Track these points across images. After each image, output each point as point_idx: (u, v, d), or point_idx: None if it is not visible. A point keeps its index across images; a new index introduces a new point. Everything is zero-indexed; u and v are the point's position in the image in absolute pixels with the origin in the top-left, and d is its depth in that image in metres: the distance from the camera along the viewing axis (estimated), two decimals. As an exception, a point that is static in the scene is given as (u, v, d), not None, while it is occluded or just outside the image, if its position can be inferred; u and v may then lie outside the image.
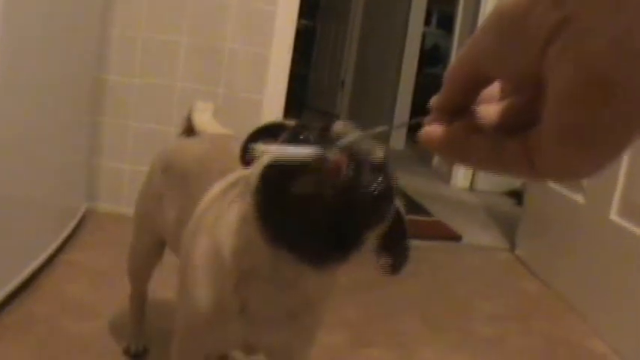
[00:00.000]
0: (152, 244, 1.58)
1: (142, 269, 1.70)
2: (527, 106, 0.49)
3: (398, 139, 6.63)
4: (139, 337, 1.81)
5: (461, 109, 0.53)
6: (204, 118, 1.63)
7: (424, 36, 7.23)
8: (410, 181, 4.93)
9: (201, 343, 1.18)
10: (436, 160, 5.56)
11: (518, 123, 0.49)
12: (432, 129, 0.54)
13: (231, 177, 1.20)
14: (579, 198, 2.77)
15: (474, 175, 5.06)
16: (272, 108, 3.06)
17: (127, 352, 1.79)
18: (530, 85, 0.47)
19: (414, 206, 4.17)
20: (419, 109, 6.58)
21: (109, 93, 2.97)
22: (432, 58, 8.16)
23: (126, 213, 2.87)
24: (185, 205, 1.30)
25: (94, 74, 2.81)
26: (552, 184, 3.04)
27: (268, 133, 0.99)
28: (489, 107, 0.53)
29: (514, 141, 0.49)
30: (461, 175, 5.06)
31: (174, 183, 1.43)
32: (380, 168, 0.88)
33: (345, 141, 0.83)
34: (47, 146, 2.19)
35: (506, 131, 0.50)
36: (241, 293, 1.04)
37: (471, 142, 0.52)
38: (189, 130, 1.62)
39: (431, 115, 0.55)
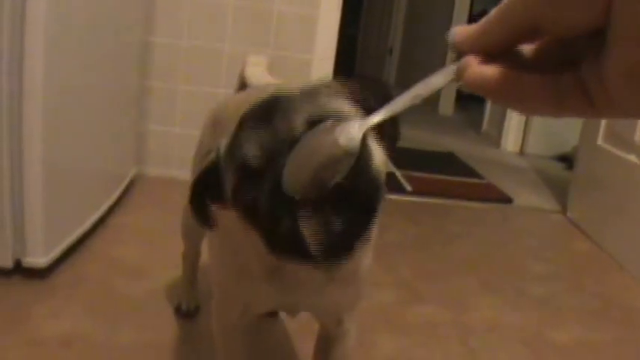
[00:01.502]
0: None
1: (195, 227, 1.68)
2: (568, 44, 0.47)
3: (447, 105, 6.56)
4: (191, 296, 1.81)
5: (502, 52, 0.50)
6: (257, 72, 1.62)
7: (472, 1, 7.09)
8: (460, 146, 4.89)
9: (235, 303, 1.16)
10: (486, 124, 5.48)
11: (563, 60, 0.47)
12: (482, 69, 0.49)
13: None
14: (633, 158, 2.70)
15: (523, 139, 4.99)
16: (321, 68, 3.03)
17: (178, 310, 1.80)
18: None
19: (465, 169, 4.13)
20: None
21: (157, 57, 2.98)
22: (481, 23, 8.01)
23: (175, 176, 2.90)
24: None
25: (142, 38, 2.82)
26: (605, 145, 2.97)
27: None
28: (529, 46, 0.50)
29: (568, 77, 0.46)
30: (511, 139, 4.99)
31: (222, 136, 1.43)
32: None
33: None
34: (97, 112, 2.22)
35: (552, 69, 0.47)
36: (270, 259, 0.99)
37: (525, 81, 0.48)
38: (243, 86, 1.61)
39: (466, 57, 0.50)
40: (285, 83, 1.59)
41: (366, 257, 1.09)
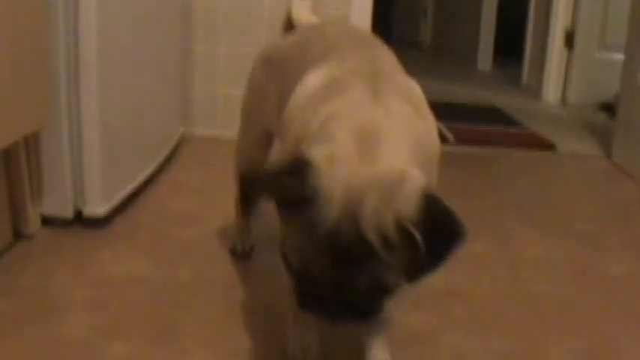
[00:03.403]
0: (258, 137, 1.62)
1: (247, 164, 1.73)
2: None
3: (484, 60, 6.52)
4: (245, 238, 1.87)
5: None
6: (302, 13, 1.66)
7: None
8: (500, 99, 4.87)
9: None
10: (525, 77, 5.44)
11: None
12: None
13: (326, 70, 1.21)
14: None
15: (564, 90, 4.93)
16: (359, 23, 3.05)
17: (233, 252, 1.86)
18: None
19: (507, 120, 4.13)
20: (502, 38, 6.45)
21: (198, 19, 3.03)
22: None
23: (220, 136, 2.96)
24: (283, 90, 1.33)
25: (183, 1, 2.87)
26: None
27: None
28: None
29: None
30: (551, 90, 4.94)
31: (273, 73, 1.48)
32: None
33: None
34: (145, 74, 2.29)
35: None
36: None
37: None
38: (291, 26, 1.66)
39: None
40: (330, 23, 1.64)
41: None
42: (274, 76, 1.48)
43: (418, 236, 0.89)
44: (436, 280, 1.81)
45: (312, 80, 1.21)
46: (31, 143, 1.82)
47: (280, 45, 1.56)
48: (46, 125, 1.80)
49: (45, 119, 1.78)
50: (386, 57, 1.34)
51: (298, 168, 0.94)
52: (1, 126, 1.57)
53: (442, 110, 4.38)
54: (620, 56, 3.52)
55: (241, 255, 1.85)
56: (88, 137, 1.88)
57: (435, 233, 0.91)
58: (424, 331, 1.56)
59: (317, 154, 0.96)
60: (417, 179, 0.94)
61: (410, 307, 1.58)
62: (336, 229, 0.92)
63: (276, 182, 0.97)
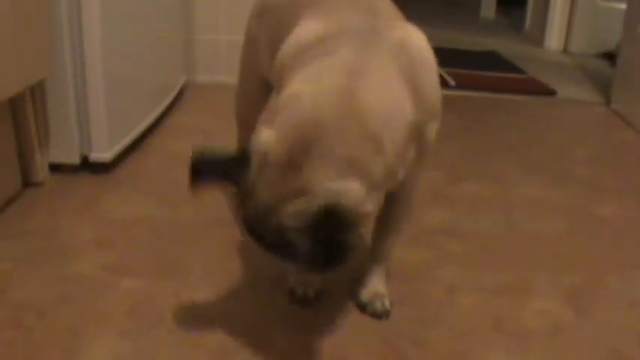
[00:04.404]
0: (255, 85, 1.66)
1: (247, 111, 1.77)
2: None
3: (488, 8, 6.50)
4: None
5: None
6: None
7: None
8: (502, 46, 4.87)
9: None
10: (528, 24, 5.44)
11: None
12: None
13: (321, 21, 1.21)
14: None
15: (567, 37, 4.94)
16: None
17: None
18: None
19: (508, 66, 4.15)
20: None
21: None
22: None
23: (224, 81, 2.99)
24: (276, 37, 1.36)
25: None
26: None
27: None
28: None
29: None
30: (554, 38, 4.95)
31: (267, 22, 1.51)
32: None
33: None
34: (146, 22, 2.33)
35: None
36: None
37: None
38: None
39: None
40: None
41: (431, 131, 1.25)
42: (268, 25, 1.50)
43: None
44: (432, 218, 1.88)
45: (306, 30, 1.20)
46: (37, 93, 1.86)
47: None
48: (51, 74, 1.85)
49: (49, 68, 1.83)
50: (383, 3, 1.32)
51: (244, 160, 1.05)
52: (7, 76, 1.62)
53: (444, 56, 4.39)
54: (623, 5, 3.53)
55: (244, 197, 1.90)
56: (92, 85, 1.92)
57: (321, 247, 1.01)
58: (419, 266, 1.62)
59: (264, 141, 1.04)
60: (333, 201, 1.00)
61: (405, 244, 1.64)
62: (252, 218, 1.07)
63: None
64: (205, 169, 1.11)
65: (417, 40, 1.20)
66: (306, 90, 1.06)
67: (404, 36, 1.19)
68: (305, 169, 1.00)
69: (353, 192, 1.00)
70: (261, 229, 1.05)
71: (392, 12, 1.31)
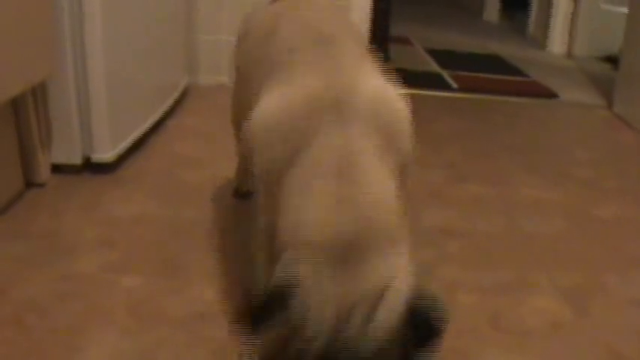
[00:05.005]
0: (247, 94, 1.65)
1: (244, 115, 1.77)
2: None
3: (492, 11, 6.51)
4: (246, 180, 1.92)
5: None
6: None
7: None
8: (505, 50, 4.89)
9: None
10: (532, 27, 5.44)
11: None
12: None
13: (286, 95, 1.11)
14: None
15: (570, 41, 4.95)
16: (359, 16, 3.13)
17: (236, 193, 1.93)
18: None
19: (511, 69, 4.16)
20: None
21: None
22: None
23: (225, 82, 3.01)
24: (248, 77, 1.37)
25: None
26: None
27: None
28: None
29: None
30: (557, 41, 4.96)
31: (243, 53, 1.51)
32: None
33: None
34: (149, 23, 2.35)
35: None
36: None
37: None
38: None
39: None
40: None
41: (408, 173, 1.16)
42: (243, 54, 1.49)
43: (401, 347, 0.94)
44: (431, 218, 1.89)
45: (272, 109, 1.11)
46: (39, 94, 1.87)
47: (254, 21, 1.53)
48: (53, 75, 1.86)
49: (51, 69, 1.84)
50: (348, 53, 1.20)
51: (284, 295, 0.92)
52: (9, 76, 1.63)
53: (447, 59, 4.46)
54: (625, 9, 3.54)
55: (243, 195, 1.91)
56: (94, 86, 1.94)
57: (420, 339, 0.94)
58: (418, 265, 1.63)
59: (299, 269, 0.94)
60: (400, 288, 0.95)
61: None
62: (325, 347, 0.93)
63: (263, 314, 0.93)
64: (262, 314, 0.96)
65: (386, 93, 1.13)
66: (309, 217, 0.97)
67: (375, 92, 1.11)
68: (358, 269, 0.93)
69: (410, 268, 0.98)
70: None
71: (356, 56, 1.22)
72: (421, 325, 0.94)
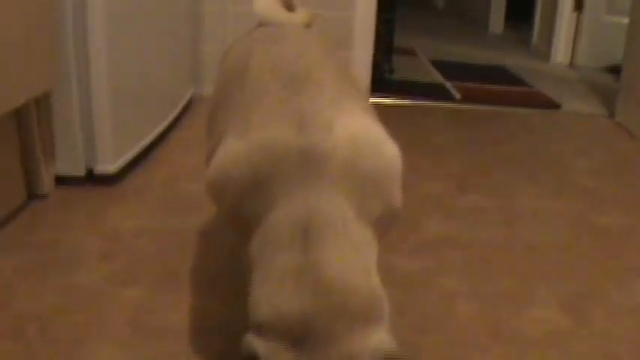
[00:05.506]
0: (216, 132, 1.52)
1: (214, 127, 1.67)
2: None
3: (496, 23, 6.53)
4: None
5: None
6: (266, 6, 1.60)
7: None
8: (510, 61, 4.90)
9: None
10: (535, 38, 5.45)
11: None
12: None
13: (250, 148, 0.99)
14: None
15: (573, 51, 4.97)
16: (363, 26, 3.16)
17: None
18: None
19: (514, 79, 4.17)
20: (513, 1, 6.45)
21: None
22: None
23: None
24: (220, 98, 1.28)
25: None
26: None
27: None
28: None
29: None
30: (560, 52, 4.98)
31: (219, 85, 1.38)
32: None
33: None
34: (154, 35, 2.37)
35: None
36: None
37: None
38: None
39: None
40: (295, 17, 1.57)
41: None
42: (215, 95, 1.36)
43: None
44: (432, 228, 1.89)
45: (232, 160, 1.01)
46: (42, 105, 1.89)
47: (228, 60, 1.41)
48: (56, 86, 1.87)
49: (55, 81, 1.85)
50: (326, 91, 1.07)
51: None
52: (12, 87, 1.65)
53: (451, 69, 4.47)
54: (627, 20, 3.54)
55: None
56: (97, 98, 1.95)
57: None
58: (418, 274, 1.63)
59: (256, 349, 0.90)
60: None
61: (406, 253, 1.65)
62: None
63: None
64: None
65: (369, 135, 1.02)
66: (268, 295, 0.93)
67: (354, 137, 0.99)
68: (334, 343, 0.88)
69: (386, 335, 0.91)
70: None
71: (334, 94, 1.07)
72: None
